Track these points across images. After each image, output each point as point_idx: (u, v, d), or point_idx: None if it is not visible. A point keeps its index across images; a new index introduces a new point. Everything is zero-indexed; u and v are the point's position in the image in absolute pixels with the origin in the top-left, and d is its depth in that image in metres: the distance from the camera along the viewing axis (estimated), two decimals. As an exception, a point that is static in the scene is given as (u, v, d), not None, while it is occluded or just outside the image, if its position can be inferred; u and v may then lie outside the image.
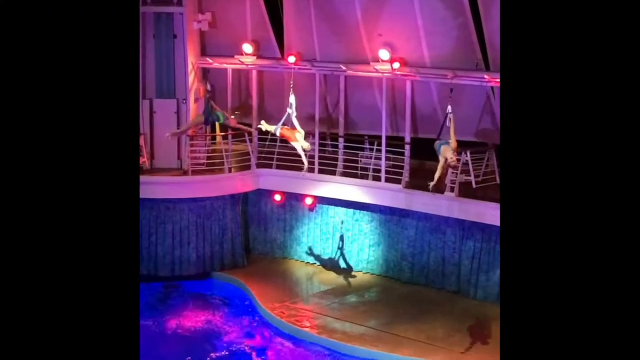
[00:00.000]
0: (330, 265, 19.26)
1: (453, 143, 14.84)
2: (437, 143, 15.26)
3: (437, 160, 16.06)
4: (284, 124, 15.39)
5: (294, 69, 18.07)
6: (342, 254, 19.22)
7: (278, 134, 15.59)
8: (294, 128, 15.37)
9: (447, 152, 14.91)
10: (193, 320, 17.11)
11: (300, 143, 15.33)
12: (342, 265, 19.24)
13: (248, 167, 19.37)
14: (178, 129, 19.05)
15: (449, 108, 14.98)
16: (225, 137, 19.55)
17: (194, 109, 19.43)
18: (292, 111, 15.15)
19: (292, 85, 15.70)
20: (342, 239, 19.13)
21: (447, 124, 15.00)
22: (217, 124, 19.37)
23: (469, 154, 17.05)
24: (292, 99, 15.26)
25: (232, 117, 18.57)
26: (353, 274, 18.96)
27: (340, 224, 19.12)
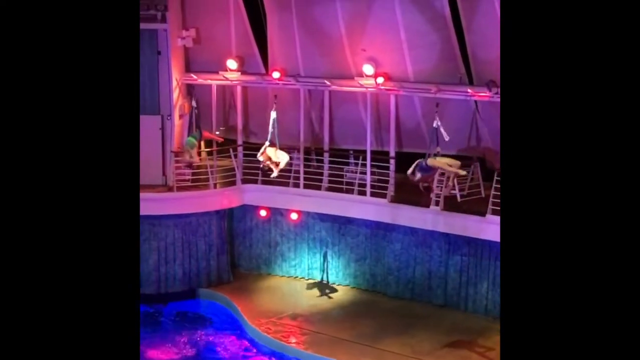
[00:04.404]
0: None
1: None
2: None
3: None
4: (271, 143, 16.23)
5: (279, 84, 18.20)
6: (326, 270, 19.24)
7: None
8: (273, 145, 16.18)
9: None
10: (180, 338, 17.03)
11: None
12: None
13: (233, 183, 19.34)
14: (163, 146, 19.10)
15: (436, 122, 15.30)
16: (209, 153, 19.54)
17: (178, 125, 19.42)
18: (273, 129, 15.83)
19: (275, 102, 15.94)
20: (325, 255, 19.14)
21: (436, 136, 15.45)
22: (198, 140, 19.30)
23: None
24: (274, 115, 15.79)
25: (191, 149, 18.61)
26: (334, 288, 18.98)
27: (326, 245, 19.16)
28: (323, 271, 19.17)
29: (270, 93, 19.16)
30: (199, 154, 19.20)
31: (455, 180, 16.65)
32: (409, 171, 16.20)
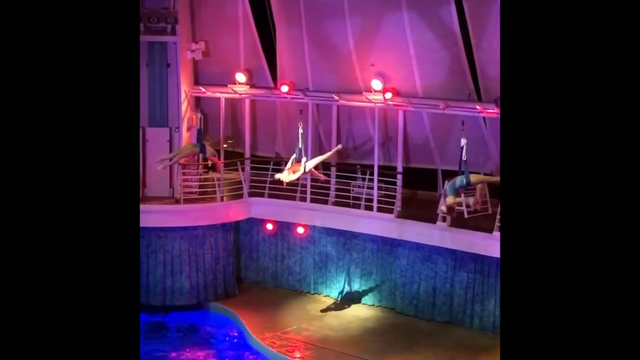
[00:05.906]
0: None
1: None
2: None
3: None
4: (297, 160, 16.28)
5: (287, 97, 18.18)
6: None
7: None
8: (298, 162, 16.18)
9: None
10: (184, 351, 16.99)
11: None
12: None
13: (240, 196, 19.35)
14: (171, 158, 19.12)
15: (463, 141, 15.25)
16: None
17: (186, 138, 19.45)
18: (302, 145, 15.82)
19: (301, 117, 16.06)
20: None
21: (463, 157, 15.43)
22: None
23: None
24: (302, 130, 15.83)
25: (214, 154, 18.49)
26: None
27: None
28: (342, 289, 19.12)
29: (279, 107, 19.19)
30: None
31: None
32: (450, 200, 15.64)
